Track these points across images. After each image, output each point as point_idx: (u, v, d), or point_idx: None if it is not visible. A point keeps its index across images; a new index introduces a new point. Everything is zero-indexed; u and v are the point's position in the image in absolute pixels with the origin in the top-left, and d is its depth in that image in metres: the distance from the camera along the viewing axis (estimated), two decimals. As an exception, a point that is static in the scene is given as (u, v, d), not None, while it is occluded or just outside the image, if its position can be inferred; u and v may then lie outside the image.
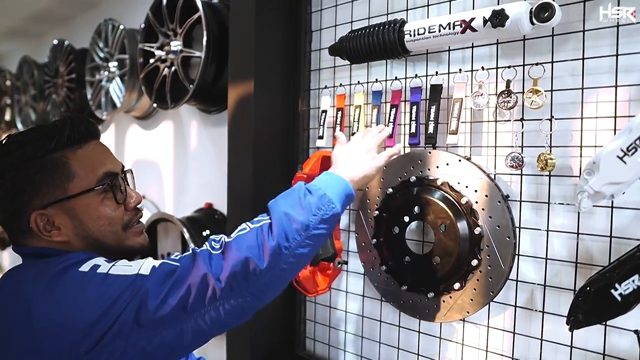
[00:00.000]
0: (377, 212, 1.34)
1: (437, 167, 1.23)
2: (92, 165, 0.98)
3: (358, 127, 1.41)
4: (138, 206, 1.06)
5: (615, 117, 1.01)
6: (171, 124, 2.39)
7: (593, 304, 0.86)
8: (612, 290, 0.84)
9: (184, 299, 0.84)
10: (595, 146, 1.04)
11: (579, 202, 0.90)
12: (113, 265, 0.89)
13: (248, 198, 1.55)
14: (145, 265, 0.88)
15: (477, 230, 1.14)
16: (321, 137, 1.52)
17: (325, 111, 1.52)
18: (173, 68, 1.92)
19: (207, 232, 1.87)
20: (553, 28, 1.07)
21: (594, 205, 0.90)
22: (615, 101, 1.00)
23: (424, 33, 1.20)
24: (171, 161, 2.39)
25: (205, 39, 1.77)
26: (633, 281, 0.81)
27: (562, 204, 1.08)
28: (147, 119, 2.57)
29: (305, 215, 0.92)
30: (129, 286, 0.84)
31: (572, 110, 1.08)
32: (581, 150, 1.05)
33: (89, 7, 2.94)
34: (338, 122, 1.48)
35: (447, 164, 1.21)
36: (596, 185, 0.86)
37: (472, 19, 1.10)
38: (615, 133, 1.00)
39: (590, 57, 1.04)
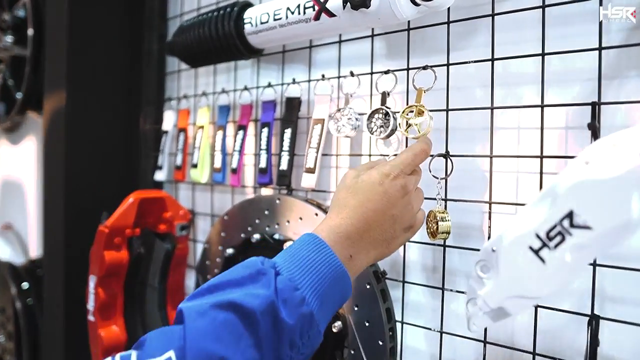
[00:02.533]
0: (217, 281, 0.90)
1: (288, 222, 0.81)
2: None
3: (199, 156, 0.98)
4: None
5: (541, 156, 0.60)
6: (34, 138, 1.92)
7: None
8: None
9: None
10: (513, 203, 0.64)
11: (468, 317, 0.49)
12: None
13: (59, 250, 1.10)
14: None
15: (335, 326, 0.72)
16: (160, 168, 1.09)
17: (166, 132, 1.09)
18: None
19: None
20: (449, 11, 0.67)
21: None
22: (542, 130, 0.60)
23: (267, 21, 0.78)
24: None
25: (31, 31, 1.32)
26: None
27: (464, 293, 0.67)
28: (12, 131, 2.09)
29: None
30: None
31: (478, 140, 0.68)
32: (490, 207, 0.64)
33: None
34: (180, 147, 1.05)
35: (301, 219, 0.79)
36: (494, 299, 0.45)
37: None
38: (541, 184, 0.60)
39: (503, 57, 0.64)
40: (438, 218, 0.65)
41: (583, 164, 0.42)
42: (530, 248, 0.43)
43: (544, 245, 0.42)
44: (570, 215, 0.41)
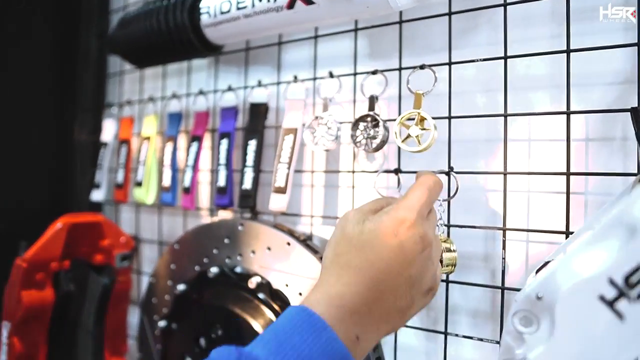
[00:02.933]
0: (164, 322, 0.75)
1: (253, 252, 0.67)
2: None
3: (144, 173, 0.83)
4: None
5: (568, 173, 0.50)
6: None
7: None
8: None
9: None
10: (529, 230, 0.53)
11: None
12: None
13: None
14: None
15: None
16: (97, 186, 0.92)
17: (105, 144, 0.93)
18: None
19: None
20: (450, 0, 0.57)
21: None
22: (568, 140, 0.50)
23: (229, 10, 0.65)
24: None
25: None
26: None
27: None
28: None
29: None
30: None
31: (482, 154, 0.57)
32: (504, 234, 0.53)
33: None
34: (122, 161, 0.89)
35: (269, 249, 0.65)
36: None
37: (303, -19, 0.57)
38: (567, 205, 0.50)
39: (518, 55, 0.53)
40: (442, 248, 0.53)
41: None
42: (601, 298, 0.31)
43: (622, 294, 0.31)
44: (661, 256, 0.29)
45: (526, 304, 0.36)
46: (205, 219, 0.81)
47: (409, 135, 0.54)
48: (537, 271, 0.42)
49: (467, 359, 0.58)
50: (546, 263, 0.42)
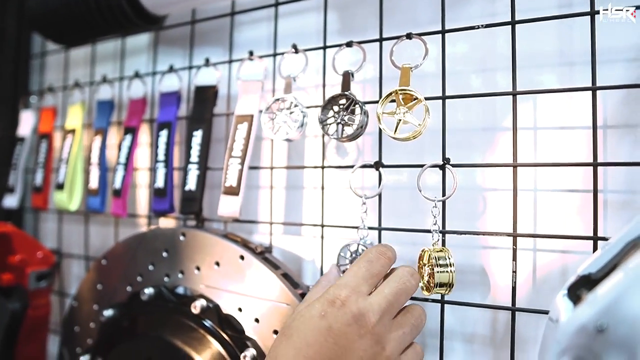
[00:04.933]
0: (87, 357, 0.61)
1: (198, 268, 0.54)
2: None
3: (66, 173, 0.69)
4: None
5: (595, 163, 0.40)
6: None
7: None
8: None
9: None
10: (551, 236, 0.42)
11: None
12: None
13: None
14: None
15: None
16: (11, 190, 0.76)
17: (22, 139, 0.77)
18: None
19: None
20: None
21: None
22: (595, 124, 0.40)
23: (169, -33, 0.53)
24: None
25: None
26: None
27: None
28: None
29: None
30: None
31: (478, 146, 0.47)
32: (515, 241, 0.43)
33: None
34: (41, 159, 0.74)
35: (218, 264, 0.52)
36: None
37: None
38: (595, 204, 0.40)
39: (529, 19, 0.43)
40: (434, 262, 0.42)
41: None
42: None
43: None
44: None
45: (579, 338, 0.25)
46: (144, 228, 0.68)
47: (399, 121, 0.42)
48: (570, 289, 0.32)
49: (463, 397, 0.47)
50: (583, 278, 0.32)
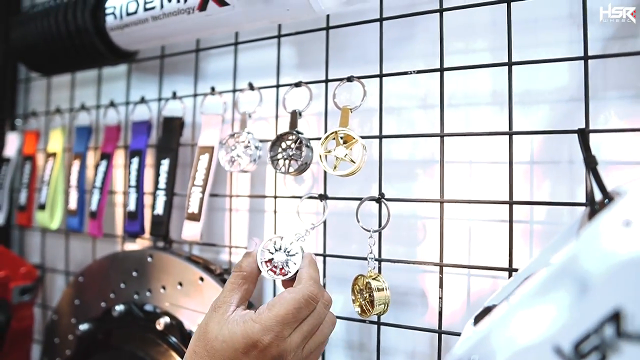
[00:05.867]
0: (66, 369, 0.65)
1: (163, 288, 0.58)
2: None
3: (47, 194, 0.73)
4: None
5: (511, 202, 0.44)
6: None
7: None
8: None
9: None
10: (469, 266, 0.47)
11: None
12: None
13: None
14: None
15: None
16: (-3, 209, 0.81)
17: (7, 160, 0.82)
18: None
19: None
20: (381, 4, 0.51)
21: None
22: (511, 165, 0.44)
23: (136, 12, 0.57)
24: None
25: None
26: None
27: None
28: None
29: None
30: None
31: (416, 178, 0.51)
32: (442, 270, 0.47)
33: None
34: (25, 180, 0.78)
35: (180, 285, 0.57)
36: None
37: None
38: (510, 235, 0.44)
39: (456, 67, 0.47)
40: (373, 287, 0.46)
41: (621, 227, 0.25)
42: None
43: (567, 369, 0.25)
44: (616, 318, 0.23)
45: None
46: (119, 247, 0.72)
47: (337, 158, 0.47)
48: (476, 319, 0.36)
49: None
50: (486, 309, 0.36)
